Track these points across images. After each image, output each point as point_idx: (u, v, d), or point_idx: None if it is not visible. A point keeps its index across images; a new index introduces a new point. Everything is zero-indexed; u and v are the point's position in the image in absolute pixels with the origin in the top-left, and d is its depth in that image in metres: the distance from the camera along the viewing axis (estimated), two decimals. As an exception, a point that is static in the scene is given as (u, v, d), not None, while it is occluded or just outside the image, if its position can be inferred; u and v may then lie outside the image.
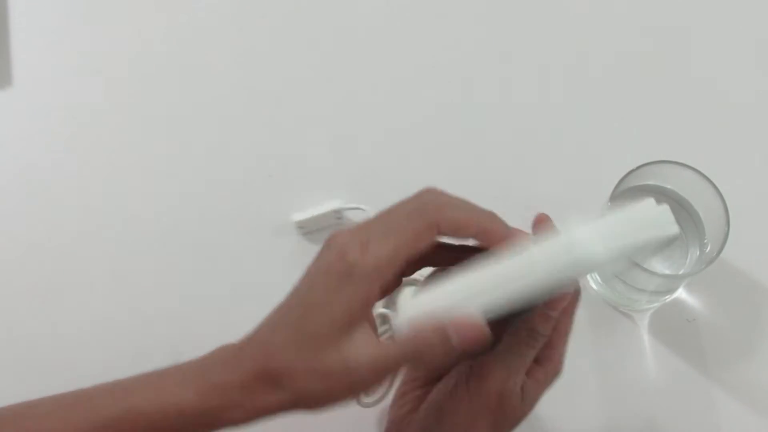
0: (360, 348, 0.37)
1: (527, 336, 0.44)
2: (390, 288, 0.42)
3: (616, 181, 0.56)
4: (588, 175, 0.66)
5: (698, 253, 0.61)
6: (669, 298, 0.62)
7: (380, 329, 0.49)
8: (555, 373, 0.46)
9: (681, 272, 0.61)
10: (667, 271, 0.61)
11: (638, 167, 0.57)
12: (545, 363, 0.46)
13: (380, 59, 0.72)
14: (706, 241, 0.60)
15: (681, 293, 0.63)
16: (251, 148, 0.69)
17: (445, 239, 0.41)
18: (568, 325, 0.46)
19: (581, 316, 0.63)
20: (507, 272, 0.39)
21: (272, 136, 0.70)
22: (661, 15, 0.72)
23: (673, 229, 0.40)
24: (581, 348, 0.62)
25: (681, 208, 0.61)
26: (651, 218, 0.40)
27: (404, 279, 0.43)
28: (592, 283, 0.63)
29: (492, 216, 0.41)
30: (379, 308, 0.53)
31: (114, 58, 0.72)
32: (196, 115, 0.70)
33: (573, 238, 0.39)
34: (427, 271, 0.45)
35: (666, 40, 0.71)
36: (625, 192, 0.59)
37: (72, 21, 0.74)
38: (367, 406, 0.51)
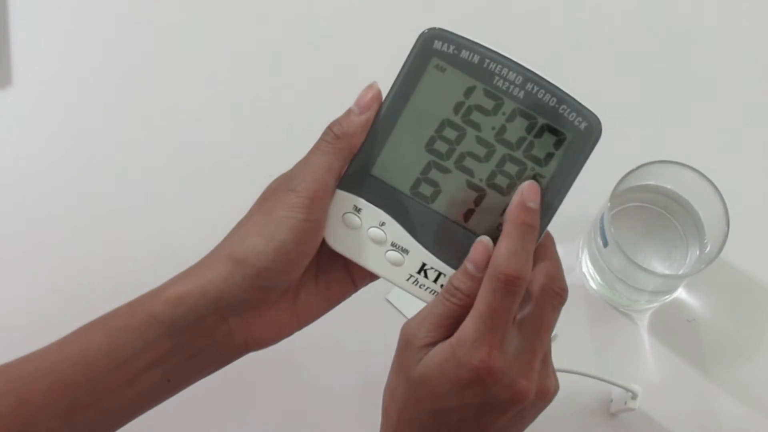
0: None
1: (445, 286, 0.40)
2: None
3: (616, 181, 0.56)
4: (588, 174, 0.66)
5: (698, 253, 0.61)
6: (669, 298, 0.62)
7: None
8: (455, 347, 0.38)
9: (681, 272, 0.61)
10: (667, 271, 0.61)
11: (638, 167, 0.57)
12: (455, 333, 0.39)
13: (382, 59, 0.72)
14: (706, 241, 0.60)
15: (681, 293, 0.63)
16: (251, 147, 0.69)
17: None
18: (479, 298, 0.38)
19: (581, 316, 0.63)
20: None
21: (272, 135, 0.70)
22: (662, 15, 0.72)
23: None
24: (581, 348, 0.62)
25: (681, 208, 0.61)
26: None
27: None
28: (592, 282, 0.63)
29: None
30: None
31: (113, 57, 0.72)
32: (197, 115, 0.70)
33: None
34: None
35: (666, 39, 0.71)
36: (625, 192, 0.59)
37: (72, 21, 0.74)
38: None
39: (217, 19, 0.74)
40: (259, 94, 0.71)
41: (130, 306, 0.42)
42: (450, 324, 0.39)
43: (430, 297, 0.42)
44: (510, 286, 0.38)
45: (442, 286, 0.41)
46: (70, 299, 0.65)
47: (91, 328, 0.42)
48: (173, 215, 0.67)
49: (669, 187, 0.61)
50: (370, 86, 0.41)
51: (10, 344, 0.42)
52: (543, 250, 0.41)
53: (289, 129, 0.69)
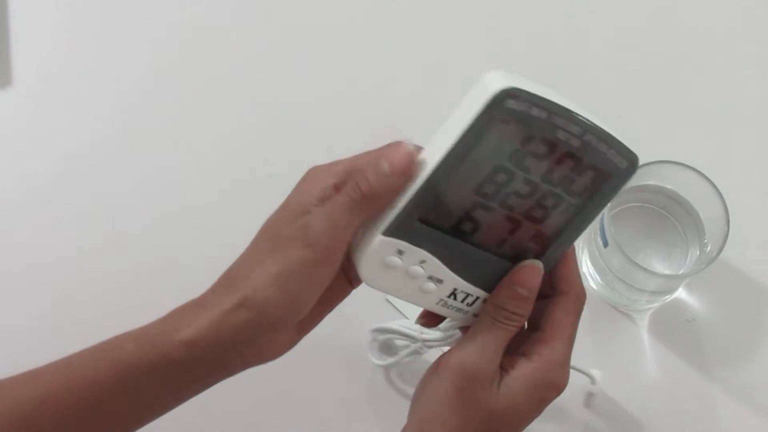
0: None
1: (493, 311, 0.41)
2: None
3: (616, 181, 0.56)
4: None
5: (698, 253, 0.61)
6: (669, 298, 0.62)
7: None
8: (545, 371, 0.41)
9: (681, 272, 0.61)
10: (667, 271, 0.61)
11: (638, 167, 0.57)
12: (534, 358, 0.41)
13: (381, 58, 0.72)
14: (706, 241, 0.60)
15: (681, 293, 0.63)
16: (251, 148, 0.69)
17: None
18: (567, 322, 0.42)
19: (581, 316, 0.63)
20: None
21: (272, 135, 0.70)
22: (662, 15, 0.72)
23: (492, 85, 0.37)
24: (581, 348, 0.62)
25: (681, 208, 0.61)
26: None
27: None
28: (592, 283, 0.63)
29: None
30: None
31: (114, 57, 0.72)
32: (197, 116, 0.70)
33: None
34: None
35: (666, 39, 0.71)
36: (625, 192, 0.59)
37: (72, 20, 0.74)
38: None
39: (219, 18, 0.74)
40: (262, 97, 0.71)
41: (138, 343, 0.41)
42: (506, 346, 0.41)
43: (455, 314, 0.44)
44: (583, 309, 0.43)
45: (468, 304, 0.43)
46: (70, 298, 0.65)
47: (98, 358, 0.42)
48: (173, 213, 0.67)
49: (669, 187, 0.61)
50: (400, 145, 0.39)
51: (11, 354, 0.42)
52: (568, 262, 0.43)
53: (291, 133, 0.69)
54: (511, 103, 0.38)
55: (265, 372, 0.56)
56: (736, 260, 0.62)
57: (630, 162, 0.41)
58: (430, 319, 0.46)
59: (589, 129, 0.40)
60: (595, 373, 0.60)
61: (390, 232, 0.40)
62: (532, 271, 0.41)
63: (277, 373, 0.61)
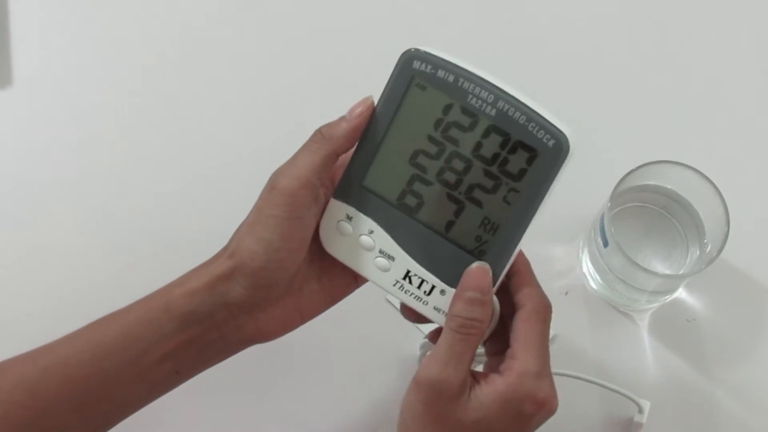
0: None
1: (451, 321, 0.41)
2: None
3: (616, 181, 0.57)
4: (588, 174, 0.66)
5: (698, 253, 0.61)
6: (669, 298, 0.62)
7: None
8: (517, 384, 0.40)
9: (681, 272, 0.61)
10: (667, 271, 0.61)
11: (638, 167, 0.57)
12: (505, 373, 0.41)
13: (380, 59, 0.72)
14: (706, 241, 0.60)
15: (681, 293, 0.63)
16: (251, 147, 0.69)
17: None
18: (532, 333, 0.41)
19: (581, 316, 0.63)
20: None
21: (272, 135, 0.70)
22: (662, 14, 0.72)
23: None
24: (581, 348, 0.62)
25: (681, 208, 0.61)
26: None
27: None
28: (592, 282, 0.63)
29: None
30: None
31: (114, 57, 0.72)
32: (197, 115, 0.70)
33: None
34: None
35: (666, 39, 0.71)
36: (625, 192, 0.59)
37: (72, 21, 0.74)
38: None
39: (220, 19, 0.74)
40: (262, 96, 0.71)
41: (144, 301, 0.43)
42: (473, 356, 0.41)
43: (413, 302, 0.44)
44: (550, 317, 0.42)
45: (425, 292, 0.44)
46: (71, 294, 0.65)
47: (105, 321, 0.43)
48: (174, 215, 0.67)
49: (669, 187, 0.61)
50: (365, 99, 0.43)
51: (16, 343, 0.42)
52: (522, 275, 0.44)
53: (291, 132, 0.69)
54: (417, 64, 0.42)
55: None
56: (736, 260, 0.62)
57: (557, 140, 0.40)
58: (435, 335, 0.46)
59: (500, 96, 0.41)
60: (644, 403, 0.58)
61: (338, 195, 0.44)
62: (478, 272, 0.42)
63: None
